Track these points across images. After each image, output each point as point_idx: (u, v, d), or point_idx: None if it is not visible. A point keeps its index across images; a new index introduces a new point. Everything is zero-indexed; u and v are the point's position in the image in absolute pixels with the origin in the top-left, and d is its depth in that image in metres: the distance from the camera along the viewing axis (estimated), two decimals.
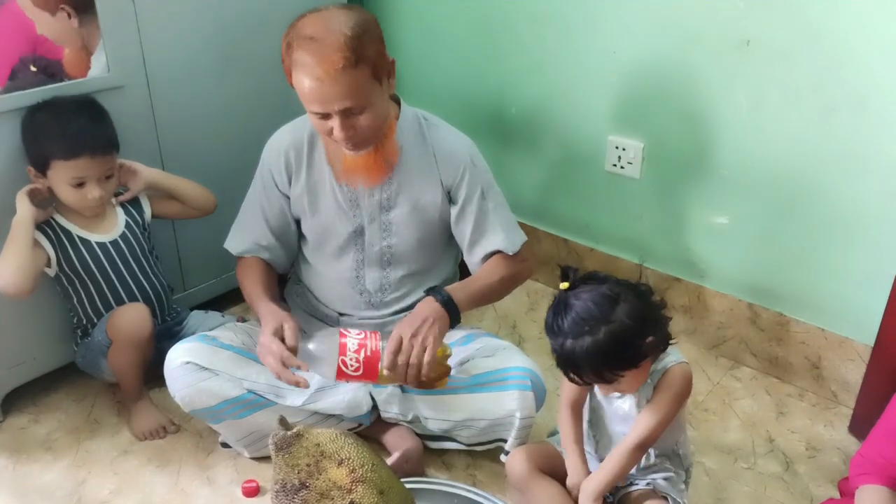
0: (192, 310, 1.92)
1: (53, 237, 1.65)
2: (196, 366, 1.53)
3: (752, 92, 1.74)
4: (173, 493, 1.58)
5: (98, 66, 1.71)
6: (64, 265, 1.67)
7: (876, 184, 1.63)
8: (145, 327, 1.66)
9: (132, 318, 1.66)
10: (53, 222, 1.66)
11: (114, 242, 1.72)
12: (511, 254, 1.63)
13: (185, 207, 1.82)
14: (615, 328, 1.27)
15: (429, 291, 1.55)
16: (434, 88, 2.32)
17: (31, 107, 1.59)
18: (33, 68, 1.68)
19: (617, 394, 1.39)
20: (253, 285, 1.62)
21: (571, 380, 1.34)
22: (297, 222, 1.68)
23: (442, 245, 1.69)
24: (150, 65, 1.77)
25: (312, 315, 1.74)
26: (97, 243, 1.70)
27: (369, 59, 1.38)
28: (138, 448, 1.70)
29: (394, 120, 1.56)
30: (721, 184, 1.86)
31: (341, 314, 1.69)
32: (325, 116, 1.42)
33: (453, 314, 1.51)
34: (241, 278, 1.67)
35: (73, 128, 1.58)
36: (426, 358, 1.42)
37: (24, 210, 1.59)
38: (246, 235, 1.67)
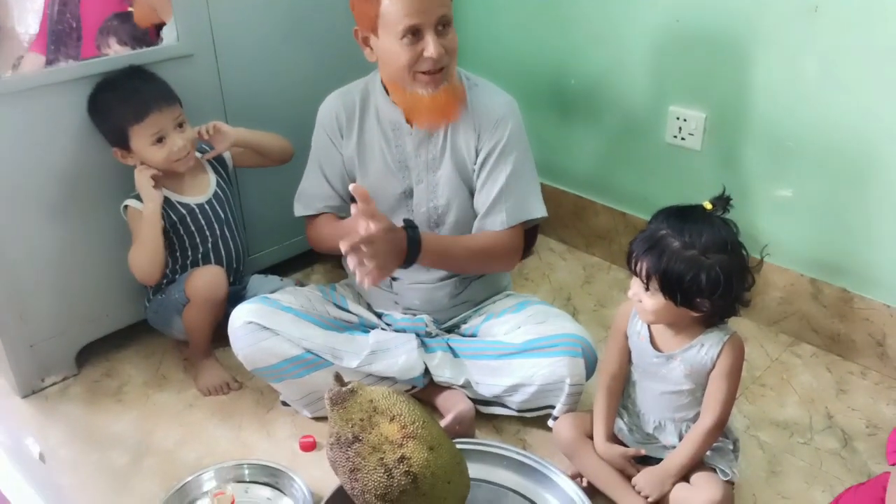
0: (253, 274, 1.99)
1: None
2: (258, 325, 1.59)
3: (819, 60, 1.69)
4: (235, 445, 1.65)
5: (169, 35, 1.78)
6: (168, 231, 1.76)
7: None
8: (221, 288, 1.74)
9: (210, 279, 1.74)
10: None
11: (208, 202, 1.80)
12: (500, 229, 1.62)
13: (263, 159, 1.89)
14: (728, 265, 1.26)
15: (408, 225, 1.55)
16: (495, 58, 2.33)
17: (89, 97, 1.67)
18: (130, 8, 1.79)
19: (667, 355, 1.38)
20: (329, 227, 1.67)
21: (634, 264, 1.32)
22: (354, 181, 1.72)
23: None
24: (217, 35, 1.83)
25: None
26: (196, 205, 1.78)
27: None
28: (203, 403, 1.78)
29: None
30: (785, 156, 1.82)
31: (393, 279, 1.72)
32: (416, 36, 1.47)
33: (412, 253, 1.51)
34: (317, 235, 1.72)
35: (131, 92, 1.66)
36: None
37: (155, 201, 1.68)
38: (311, 198, 1.72)
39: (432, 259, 1.58)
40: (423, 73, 1.51)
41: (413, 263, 1.53)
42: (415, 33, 1.47)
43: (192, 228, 1.78)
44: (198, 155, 1.80)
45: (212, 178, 1.83)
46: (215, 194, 1.81)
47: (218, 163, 1.86)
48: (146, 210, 1.68)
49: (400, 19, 1.46)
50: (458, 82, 1.62)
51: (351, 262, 1.44)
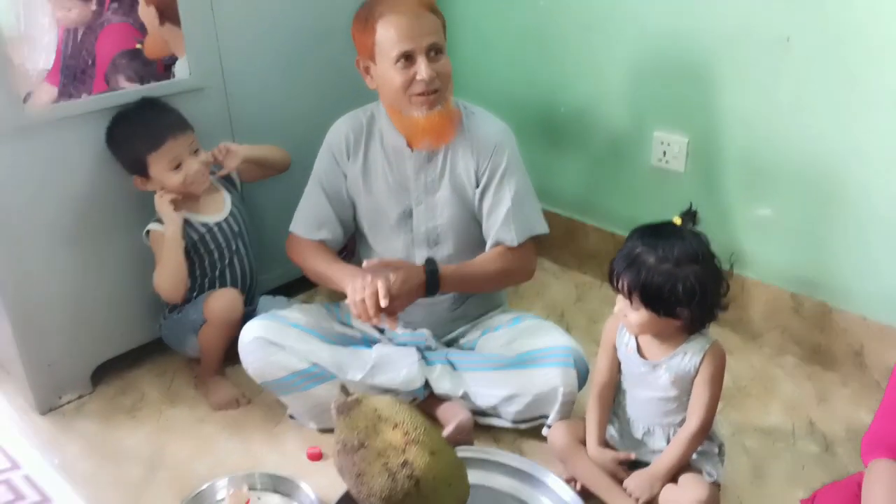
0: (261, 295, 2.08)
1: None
2: (266, 341, 1.67)
3: (793, 87, 1.81)
4: (245, 457, 1.73)
5: (181, 70, 1.89)
6: (189, 250, 1.85)
7: None
8: (238, 311, 1.83)
9: (227, 302, 1.83)
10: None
11: (226, 220, 1.90)
12: (511, 246, 1.73)
13: (266, 170, 2.00)
14: (701, 275, 1.36)
15: (428, 262, 1.67)
16: (488, 90, 2.44)
17: (107, 129, 1.77)
18: (138, 45, 1.87)
19: (653, 363, 1.47)
20: (321, 259, 1.77)
21: (616, 282, 1.42)
22: (353, 206, 1.82)
23: (481, 225, 1.80)
24: (227, 69, 1.95)
25: None
26: (214, 223, 1.88)
27: (440, 15, 1.63)
28: (213, 418, 1.86)
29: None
30: (763, 177, 1.93)
31: None
32: (409, 61, 1.59)
33: (432, 284, 1.64)
34: (303, 258, 1.81)
35: (147, 123, 1.76)
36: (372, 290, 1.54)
37: (176, 224, 1.78)
38: (309, 220, 1.81)
39: (453, 287, 1.71)
40: (418, 94, 1.62)
41: (435, 294, 1.66)
42: (408, 58, 1.59)
43: (212, 246, 1.87)
44: (210, 177, 1.90)
45: (226, 196, 1.93)
46: (231, 212, 1.91)
47: (229, 182, 1.96)
48: (168, 232, 1.78)
49: (393, 46, 1.59)
50: (456, 108, 1.73)
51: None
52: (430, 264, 1.66)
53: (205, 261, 1.88)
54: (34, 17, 1.81)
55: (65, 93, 1.86)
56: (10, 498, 1.57)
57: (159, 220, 1.81)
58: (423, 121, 1.65)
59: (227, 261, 1.91)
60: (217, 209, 1.90)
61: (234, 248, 1.92)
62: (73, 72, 1.89)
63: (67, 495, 1.54)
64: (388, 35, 1.59)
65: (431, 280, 1.64)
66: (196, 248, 1.86)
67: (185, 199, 1.84)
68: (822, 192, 1.84)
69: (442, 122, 1.67)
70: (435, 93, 1.63)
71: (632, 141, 2.16)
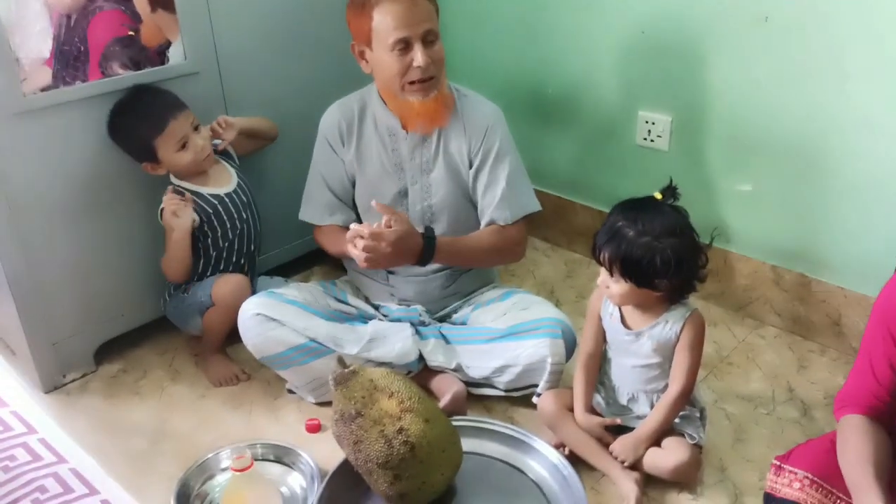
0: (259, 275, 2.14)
1: (195, 206, 1.87)
2: (265, 317, 1.73)
3: (771, 65, 1.86)
4: (246, 429, 1.79)
5: (176, 55, 1.93)
6: (202, 223, 1.89)
7: (886, 149, 1.74)
8: (245, 296, 1.87)
9: (236, 287, 1.88)
10: (188, 193, 1.88)
11: (234, 191, 1.95)
12: (503, 224, 1.79)
13: (258, 141, 2.06)
14: (679, 247, 1.42)
15: (427, 229, 1.73)
16: (479, 71, 2.49)
17: (107, 122, 1.82)
18: (130, 32, 1.91)
19: (636, 332, 1.53)
20: (342, 239, 1.79)
21: (598, 255, 1.48)
22: (353, 185, 1.87)
23: (475, 204, 1.85)
24: (221, 52, 1.98)
25: (363, 273, 1.92)
26: (225, 194, 1.92)
27: (433, 1, 1.67)
28: (214, 393, 1.92)
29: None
30: (744, 153, 1.99)
31: (390, 272, 1.87)
32: (406, 48, 1.63)
33: (427, 249, 1.69)
34: (324, 241, 1.89)
35: (145, 109, 1.81)
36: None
37: (181, 228, 1.82)
38: (316, 208, 1.88)
39: (446, 259, 1.76)
40: (413, 82, 1.67)
41: (428, 262, 1.72)
42: (404, 45, 1.64)
43: (224, 217, 1.91)
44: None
45: (230, 169, 1.98)
46: (238, 184, 1.96)
47: (228, 157, 2.01)
48: (175, 234, 1.83)
49: (390, 32, 1.63)
50: (448, 92, 1.78)
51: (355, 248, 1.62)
52: (429, 231, 1.72)
53: (217, 232, 1.92)
54: (26, 3, 1.84)
55: (59, 78, 1.89)
56: (27, 459, 1.63)
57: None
58: (419, 105, 1.71)
59: (238, 231, 1.95)
60: (226, 181, 1.95)
61: (244, 217, 1.96)
62: (67, 58, 1.92)
63: (81, 458, 1.59)
64: (385, 22, 1.63)
65: (428, 245, 1.69)
66: (210, 221, 1.89)
67: (195, 175, 1.89)
68: (801, 166, 1.90)
69: (436, 108, 1.72)
70: (430, 79, 1.68)
71: (617, 120, 2.22)
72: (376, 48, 1.67)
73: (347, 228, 1.75)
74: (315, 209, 1.88)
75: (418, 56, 1.64)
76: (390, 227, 1.62)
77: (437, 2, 1.71)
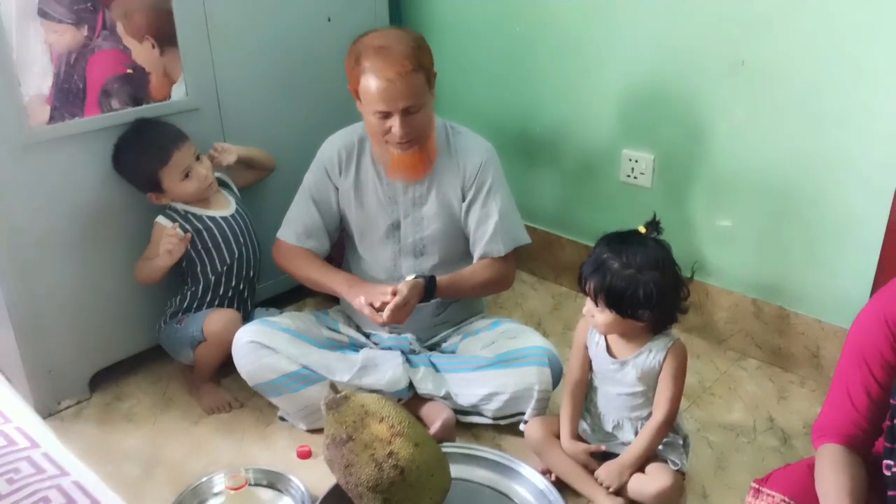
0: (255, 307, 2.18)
1: (191, 230, 1.93)
2: (259, 344, 1.78)
3: (747, 107, 1.95)
4: (238, 456, 1.82)
5: (178, 91, 2.00)
6: (197, 245, 1.95)
7: (859, 187, 1.82)
8: (235, 331, 1.90)
9: (227, 322, 1.91)
10: (189, 215, 1.94)
11: (232, 216, 2.00)
12: (497, 257, 1.86)
13: (257, 172, 2.13)
14: (661, 280, 1.47)
15: (426, 276, 1.81)
16: (468, 112, 2.57)
17: (112, 155, 1.89)
18: (129, 70, 1.96)
19: (621, 361, 1.59)
20: (313, 266, 1.89)
21: (584, 285, 1.54)
22: (341, 218, 1.93)
23: (466, 237, 1.92)
24: (221, 90, 2.06)
25: None
26: (221, 217, 1.98)
27: (425, 68, 1.71)
28: (207, 420, 1.95)
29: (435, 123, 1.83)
30: (725, 190, 2.07)
31: None
32: (386, 116, 1.69)
33: (429, 290, 1.79)
34: (290, 262, 1.92)
35: (150, 140, 1.88)
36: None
37: (167, 261, 1.88)
38: (296, 225, 1.92)
39: (446, 295, 1.85)
40: (392, 142, 1.74)
41: (430, 300, 1.82)
42: (384, 115, 1.71)
43: (220, 241, 1.96)
44: None
45: (229, 196, 2.04)
46: (237, 210, 2.02)
47: (227, 189, 2.07)
48: (158, 262, 1.89)
49: (371, 103, 1.71)
50: (437, 142, 1.84)
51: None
52: (430, 281, 1.79)
53: (215, 256, 1.96)
54: (28, 43, 1.90)
55: (57, 116, 1.94)
56: (31, 471, 1.65)
57: (168, 214, 1.92)
58: (398, 157, 1.78)
59: (236, 255, 2.00)
60: (224, 206, 2.01)
61: (242, 241, 2.01)
62: (66, 95, 1.97)
63: (83, 471, 1.61)
64: (369, 90, 1.70)
65: (429, 285, 1.78)
66: (202, 238, 1.94)
67: (197, 202, 1.95)
68: (778, 203, 1.97)
69: (414, 162, 1.79)
70: (409, 142, 1.75)
71: (602, 159, 2.30)
72: (362, 104, 1.75)
73: (315, 255, 1.87)
74: (294, 229, 1.92)
75: (395, 127, 1.70)
76: (395, 293, 1.72)
77: (431, 66, 1.75)
